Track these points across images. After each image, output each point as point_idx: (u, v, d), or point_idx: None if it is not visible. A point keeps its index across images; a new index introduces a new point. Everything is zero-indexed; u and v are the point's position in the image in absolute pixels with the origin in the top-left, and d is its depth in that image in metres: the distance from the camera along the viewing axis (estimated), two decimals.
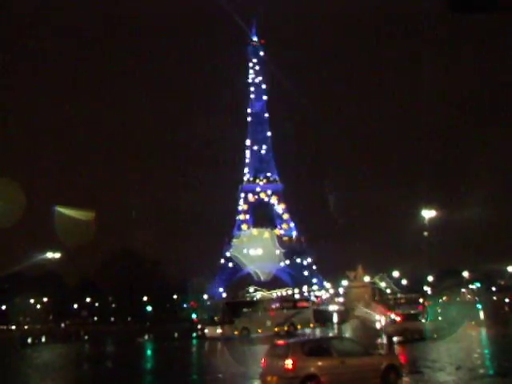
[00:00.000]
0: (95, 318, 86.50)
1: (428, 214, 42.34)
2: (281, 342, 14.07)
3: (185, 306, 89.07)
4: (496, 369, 17.09)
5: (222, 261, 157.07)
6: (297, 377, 11.82)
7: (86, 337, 46.25)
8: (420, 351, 24.02)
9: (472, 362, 18.47)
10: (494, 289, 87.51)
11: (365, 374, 12.61)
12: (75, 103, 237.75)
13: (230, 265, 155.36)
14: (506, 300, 73.41)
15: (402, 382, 13.13)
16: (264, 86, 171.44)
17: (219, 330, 39.30)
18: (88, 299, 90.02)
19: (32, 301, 78.74)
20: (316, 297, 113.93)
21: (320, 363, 12.27)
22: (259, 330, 39.72)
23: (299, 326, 41.79)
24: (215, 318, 43.40)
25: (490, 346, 26.93)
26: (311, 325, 43.68)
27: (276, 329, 40.06)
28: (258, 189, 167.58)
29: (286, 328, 40.62)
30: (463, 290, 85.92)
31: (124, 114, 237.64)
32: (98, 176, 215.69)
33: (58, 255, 47.92)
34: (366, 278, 72.15)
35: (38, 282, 71.54)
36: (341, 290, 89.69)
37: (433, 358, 20.13)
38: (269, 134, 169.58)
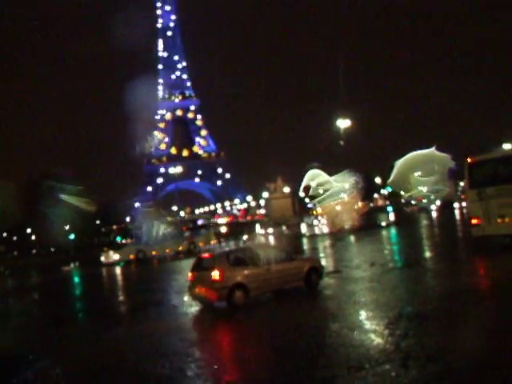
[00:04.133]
0: (15, 253, 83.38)
1: (343, 123, 43.67)
2: (206, 254, 14.42)
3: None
4: (403, 262, 18.98)
5: (143, 182, 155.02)
6: (224, 287, 12.29)
7: (7, 272, 44.52)
8: (338, 253, 25.70)
9: (384, 258, 20.21)
10: (402, 193, 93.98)
11: (289, 278, 13.39)
12: None
13: (151, 186, 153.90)
14: (413, 202, 79.56)
15: (323, 282, 14.09)
16: None
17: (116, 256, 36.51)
18: (4, 234, 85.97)
19: None
20: (238, 210, 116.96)
21: (246, 272, 12.79)
22: None
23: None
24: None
25: (398, 243, 29.43)
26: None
27: None
28: (173, 106, 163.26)
29: None
30: (375, 195, 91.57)
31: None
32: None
33: None
34: (286, 189, 74.78)
35: None
36: (262, 202, 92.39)
37: (349, 258, 21.74)
38: (181, 48, 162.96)
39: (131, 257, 36.32)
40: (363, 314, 10.37)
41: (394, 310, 10.08)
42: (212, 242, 41.84)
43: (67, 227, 76.01)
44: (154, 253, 36.98)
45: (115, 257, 36.74)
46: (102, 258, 37.86)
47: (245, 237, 49.31)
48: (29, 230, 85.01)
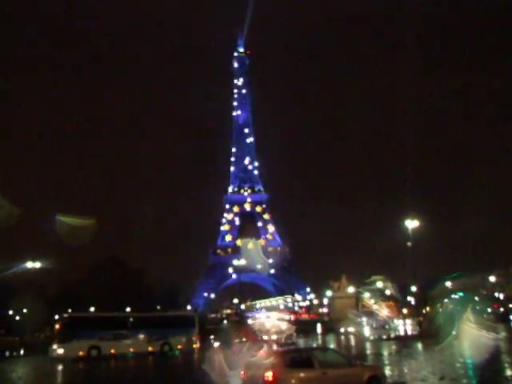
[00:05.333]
0: None
1: (411, 224, 42.42)
2: (262, 352, 13.79)
3: None
4: (479, 379, 17.06)
5: (206, 271, 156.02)
6: None
7: None
8: (404, 361, 23.88)
9: (455, 372, 18.39)
10: (476, 298, 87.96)
11: None
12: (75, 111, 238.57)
13: (214, 275, 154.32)
14: (489, 310, 74.03)
15: None
16: (248, 98, 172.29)
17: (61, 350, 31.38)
18: (70, 310, 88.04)
19: (11, 312, 76.94)
20: (300, 307, 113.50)
21: (301, 375, 12.04)
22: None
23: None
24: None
25: (472, 356, 26.89)
26: None
27: None
28: (242, 199, 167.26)
29: None
30: (446, 299, 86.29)
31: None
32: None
33: (38, 265, 47.07)
34: (350, 289, 72.39)
35: (17, 292, 69.96)
36: (325, 301, 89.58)
37: (416, 368, 19.99)
38: (253, 144, 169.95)
39: (81, 353, 31.15)
40: None
41: None
42: (195, 346, 36.26)
43: (128, 309, 76.75)
44: (112, 351, 32.28)
45: (59, 351, 31.38)
46: (49, 351, 32.63)
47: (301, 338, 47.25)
48: (92, 309, 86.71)
